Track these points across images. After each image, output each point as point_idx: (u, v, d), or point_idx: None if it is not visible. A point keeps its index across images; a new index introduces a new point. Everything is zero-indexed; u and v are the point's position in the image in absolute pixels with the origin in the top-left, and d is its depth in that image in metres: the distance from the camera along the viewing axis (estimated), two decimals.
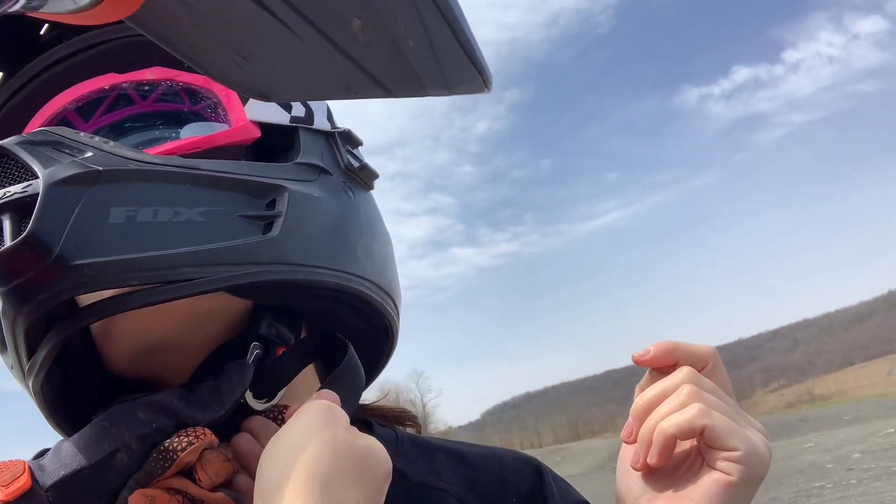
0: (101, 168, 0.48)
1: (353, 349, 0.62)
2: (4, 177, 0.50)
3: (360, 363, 0.62)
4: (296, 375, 0.62)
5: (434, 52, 0.43)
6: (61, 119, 0.62)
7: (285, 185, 0.56)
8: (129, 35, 0.62)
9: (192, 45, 0.41)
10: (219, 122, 0.61)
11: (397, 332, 0.69)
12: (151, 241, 0.49)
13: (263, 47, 0.42)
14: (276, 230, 0.54)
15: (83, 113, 0.62)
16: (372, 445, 0.51)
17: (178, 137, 0.60)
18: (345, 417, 0.52)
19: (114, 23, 0.65)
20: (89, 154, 0.49)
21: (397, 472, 0.65)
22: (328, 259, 0.57)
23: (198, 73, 0.61)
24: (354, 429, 0.52)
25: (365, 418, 0.73)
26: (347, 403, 0.57)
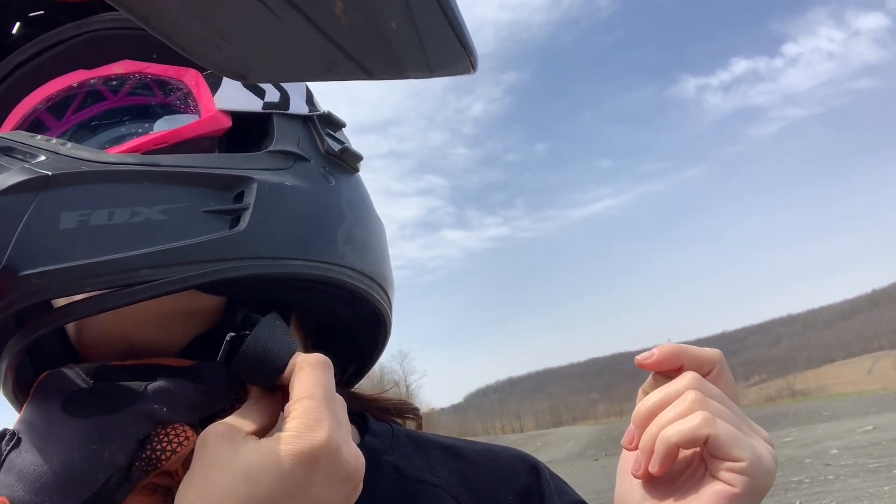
0: (49, 172, 0.47)
1: (269, 318, 0.56)
2: None
3: (277, 329, 0.55)
4: (291, 347, 0.55)
5: (418, 35, 0.42)
6: (33, 120, 0.60)
7: (253, 176, 0.54)
8: (96, 30, 0.61)
9: (170, 23, 0.40)
10: (189, 113, 0.60)
11: (389, 319, 0.67)
12: (107, 244, 0.47)
13: (243, 27, 0.41)
14: (243, 223, 0.52)
15: (55, 112, 0.60)
16: (297, 449, 0.46)
17: (146, 132, 0.58)
18: (251, 426, 0.50)
19: (92, 2, 0.61)
20: (41, 158, 0.48)
21: (391, 468, 0.65)
22: (302, 249, 0.55)
23: (166, 62, 0.61)
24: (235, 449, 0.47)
25: (360, 411, 0.72)
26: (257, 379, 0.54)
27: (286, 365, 0.52)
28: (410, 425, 0.76)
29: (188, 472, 0.47)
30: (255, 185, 0.54)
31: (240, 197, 0.53)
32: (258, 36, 0.41)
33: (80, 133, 0.60)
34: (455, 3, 0.43)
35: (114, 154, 0.52)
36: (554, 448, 43.71)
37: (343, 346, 0.69)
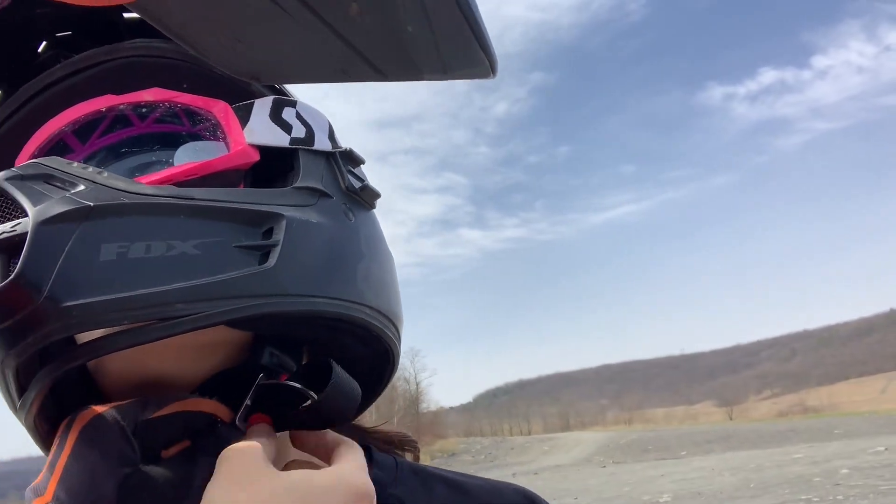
0: (91, 203, 0.48)
1: (337, 367, 0.58)
2: None
3: (348, 378, 0.59)
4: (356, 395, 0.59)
5: (434, 37, 0.42)
6: (58, 141, 0.61)
7: (282, 213, 0.55)
8: (127, 56, 0.62)
9: (186, 27, 0.40)
10: (218, 144, 0.60)
11: (398, 356, 0.68)
12: (144, 277, 0.48)
13: (259, 29, 0.41)
14: (272, 260, 0.52)
15: (80, 135, 0.61)
16: (307, 477, 0.49)
17: (174, 162, 0.59)
18: (270, 454, 0.51)
19: (112, 7, 0.62)
20: (81, 188, 0.49)
21: (396, 501, 0.65)
22: (326, 287, 0.56)
23: (196, 93, 0.62)
24: (279, 472, 0.49)
25: (364, 444, 0.70)
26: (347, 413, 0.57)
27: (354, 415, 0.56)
28: (408, 457, 0.76)
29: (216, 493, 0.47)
30: (284, 222, 0.54)
31: (269, 233, 0.54)
32: (273, 38, 0.41)
33: (106, 158, 0.60)
34: (475, 5, 0.42)
35: (150, 186, 0.52)
36: (562, 452, 43.61)
37: None
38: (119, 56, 0.62)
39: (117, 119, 0.61)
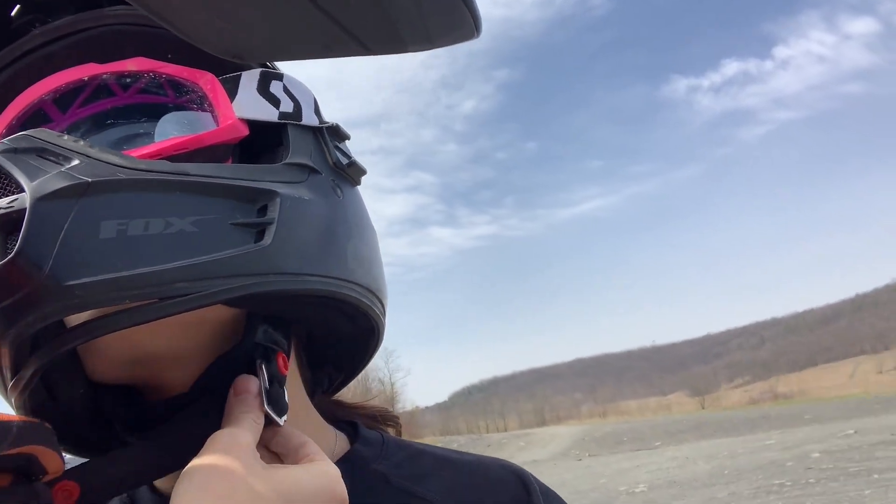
0: (89, 179, 0.46)
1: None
2: None
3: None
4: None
5: (419, 6, 0.41)
6: (37, 110, 0.59)
7: (277, 190, 0.54)
8: (110, 24, 0.60)
9: (168, 4, 0.39)
10: (205, 116, 0.59)
11: (384, 331, 0.68)
12: (144, 255, 0.46)
13: (239, 6, 0.40)
14: (268, 238, 0.52)
15: (60, 104, 0.59)
16: (295, 478, 0.49)
17: (160, 133, 0.57)
18: (247, 452, 0.49)
19: None
20: (76, 162, 0.47)
21: (381, 477, 0.64)
22: (319, 265, 0.56)
23: (181, 63, 0.60)
24: (267, 467, 0.49)
25: (350, 419, 0.72)
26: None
27: None
28: (391, 433, 0.75)
29: (196, 474, 0.46)
30: (278, 200, 0.53)
31: (263, 210, 0.53)
32: (254, 14, 0.40)
33: (89, 129, 0.58)
34: None
35: (144, 161, 0.51)
36: (538, 448, 43.80)
37: (331, 355, 0.69)
38: (102, 23, 0.60)
39: (99, 89, 0.59)
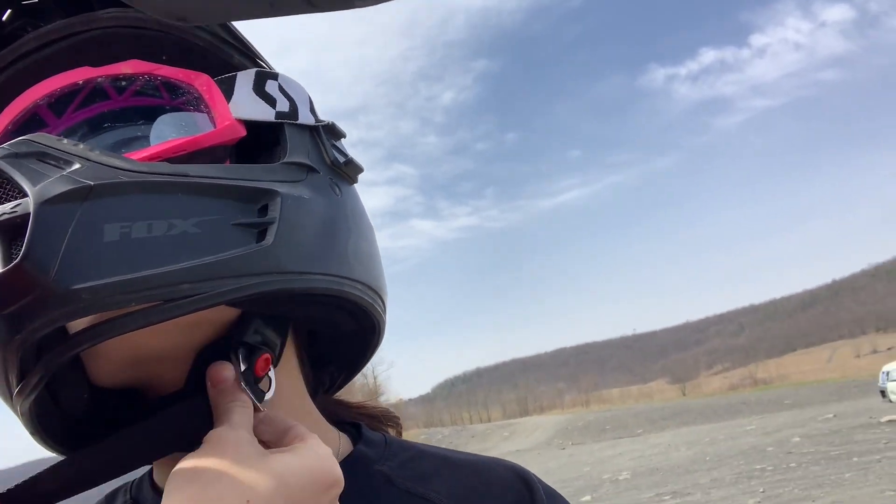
0: (91, 183, 0.46)
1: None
2: None
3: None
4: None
5: None
6: (32, 115, 0.58)
7: (277, 190, 0.54)
8: (105, 26, 0.59)
9: None
10: (202, 117, 0.59)
11: (384, 329, 0.68)
12: (149, 257, 0.47)
13: None
14: (269, 238, 0.52)
15: (55, 108, 0.58)
16: (286, 463, 0.48)
17: (156, 136, 0.57)
18: (238, 444, 0.49)
19: None
20: (77, 166, 0.47)
21: (384, 478, 0.64)
22: (321, 264, 0.56)
23: (176, 65, 0.60)
24: (261, 456, 0.48)
25: (354, 421, 0.72)
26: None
27: None
28: (391, 433, 0.75)
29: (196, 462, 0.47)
30: (279, 199, 0.54)
31: (264, 210, 0.53)
32: None
33: (86, 133, 0.58)
34: None
35: (144, 163, 0.51)
36: (522, 437, 44.00)
37: (332, 354, 0.70)
38: (96, 26, 0.59)
39: (94, 92, 0.59)
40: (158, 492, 0.64)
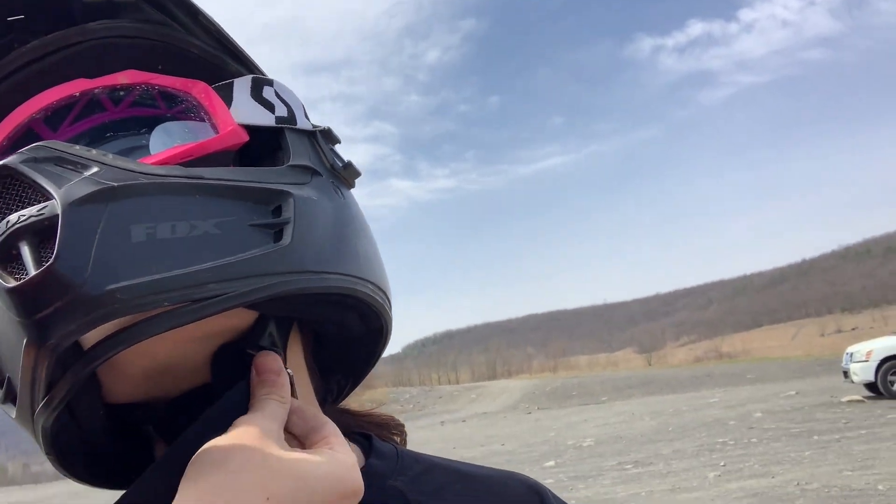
0: (115, 184, 0.46)
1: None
2: (11, 199, 0.48)
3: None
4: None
5: None
6: (27, 130, 0.58)
7: (290, 191, 0.55)
8: (99, 38, 0.59)
9: None
10: (203, 125, 0.59)
11: (391, 330, 0.68)
12: (175, 258, 0.47)
13: None
14: (287, 238, 0.52)
15: (51, 122, 0.58)
16: (310, 462, 0.48)
17: (164, 143, 0.57)
18: (264, 435, 0.49)
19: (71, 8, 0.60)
20: (95, 169, 0.47)
21: (398, 494, 0.63)
22: (336, 263, 0.56)
23: (172, 74, 0.60)
24: (289, 450, 0.49)
25: (365, 432, 0.71)
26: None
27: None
28: (395, 440, 0.74)
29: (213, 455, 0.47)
30: (292, 200, 0.54)
31: (278, 211, 0.54)
32: None
33: (87, 142, 0.57)
34: None
35: (159, 166, 0.51)
36: (488, 400, 44.37)
37: (338, 361, 0.69)
38: (90, 38, 0.59)
39: (91, 104, 0.58)
40: None
